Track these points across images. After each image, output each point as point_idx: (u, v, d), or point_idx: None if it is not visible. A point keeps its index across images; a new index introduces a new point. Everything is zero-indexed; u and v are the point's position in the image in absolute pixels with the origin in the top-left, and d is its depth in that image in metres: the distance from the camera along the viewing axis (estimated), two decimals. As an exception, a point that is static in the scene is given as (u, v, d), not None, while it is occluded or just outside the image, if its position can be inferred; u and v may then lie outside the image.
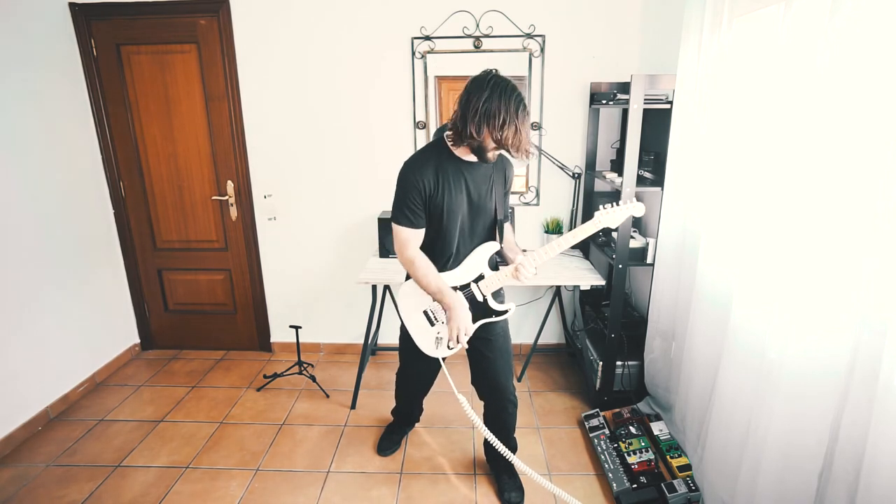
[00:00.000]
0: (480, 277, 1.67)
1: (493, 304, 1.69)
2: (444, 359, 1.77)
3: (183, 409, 2.54)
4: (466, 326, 1.63)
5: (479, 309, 1.69)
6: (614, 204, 1.60)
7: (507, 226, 1.77)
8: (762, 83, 1.59)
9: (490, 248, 1.69)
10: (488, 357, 1.79)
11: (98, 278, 2.82)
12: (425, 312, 1.72)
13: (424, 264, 1.61)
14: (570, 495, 1.67)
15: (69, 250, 2.61)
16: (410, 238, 1.59)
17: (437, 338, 1.72)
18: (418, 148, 1.57)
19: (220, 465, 2.14)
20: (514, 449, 1.97)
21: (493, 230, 1.71)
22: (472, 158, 1.57)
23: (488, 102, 1.39)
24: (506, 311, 1.71)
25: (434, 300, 1.66)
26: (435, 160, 1.56)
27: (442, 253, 1.65)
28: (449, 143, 1.56)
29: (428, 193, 1.55)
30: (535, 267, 1.60)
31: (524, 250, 1.75)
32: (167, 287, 3.08)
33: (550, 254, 1.61)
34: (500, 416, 1.88)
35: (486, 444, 2.02)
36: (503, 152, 1.52)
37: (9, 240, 2.28)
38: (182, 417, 2.48)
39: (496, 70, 1.47)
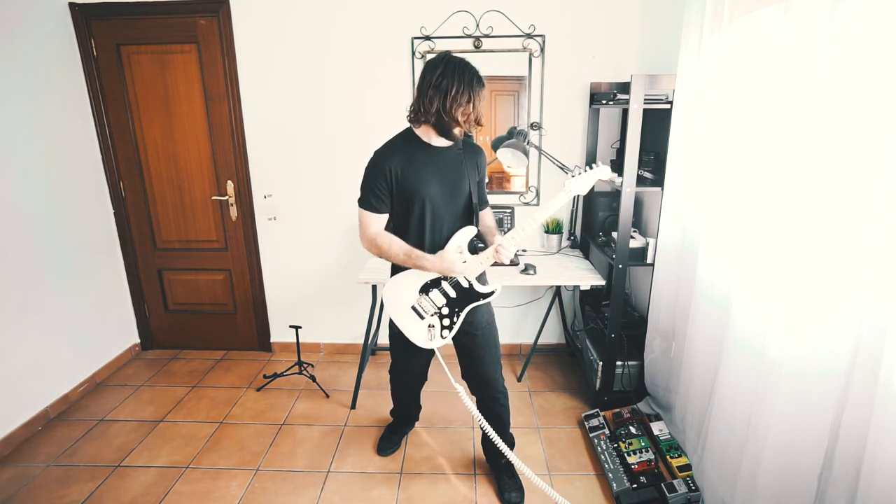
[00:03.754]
0: (462, 263, 1.68)
1: (477, 287, 1.70)
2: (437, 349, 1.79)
3: (183, 409, 2.54)
4: (461, 267, 1.62)
5: (464, 294, 1.70)
6: (584, 170, 1.62)
7: (487, 211, 1.83)
8: (762, 83, 1.59)
9: (467, 232, 1.70)
10: (474, 351, 1.81)
11: (98, 278, 2.82)
12: (413, 308, 1.72)
13: (387, 238, 1.64)
14: (561, 496, 1.66)
15: (69, 250, 2.62)
16: (372, 220, 1.64)
17: (429, 327, 1.73)
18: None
19: (220, 465, 2.14)
20: (510, 444, 1.97)
21: (469, 216, 1.73)
22: (441, 143, 1.63)
23: (441, 77, 1.49)
24: (492, 293, 1.71)
25: (430, 293, 1.69)
26: (403, 147, 1.61)
27: (419, 239, 1.67)
28: (415, 130, 1.62)
29: (395, 179, 1.59)
30: (514, 245, 1.62)
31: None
32: (167, 287, 3.08)
33: (527, 230, 1.63)
34: (493, 410, 1.88)
35: (485, 442, 2.02)
36: (460, 126, 1.56)
37: (8, 240, 2.28)
38: (182, 417, 2.48)
39: (449, 52, 1.57)
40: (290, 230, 2.92)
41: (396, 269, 1.75)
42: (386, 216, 1.67)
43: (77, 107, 2.69)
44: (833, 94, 1.25)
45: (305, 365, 2.82)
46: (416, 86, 1.56)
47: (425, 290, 1.71)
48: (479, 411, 1.88)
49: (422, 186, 1.60)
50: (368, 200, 1.62)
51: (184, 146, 2.81)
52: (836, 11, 1.22)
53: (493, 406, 1.88)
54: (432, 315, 1.72)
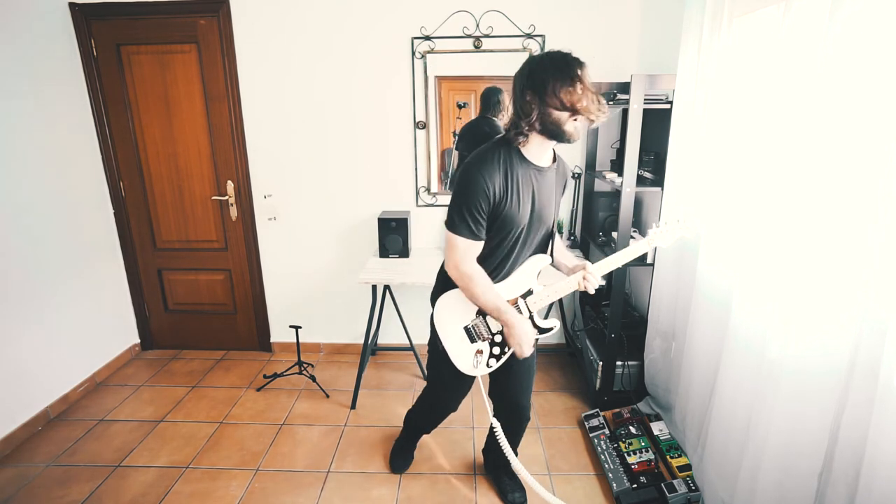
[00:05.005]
0: (528, 293, 1.53)
1: (538, 322, 1.55)
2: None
3: (183, 409, 2.54)
4: (530, 341, 1.48)
5: None
6: (665, 223, 1.51)
7: (556, 236, 1.63)
8: (762, 83, 1.59)
9: (541, 261, 1.53)
10: (515, 375, 1.68)
11: (98, 278, 2.82)
12: (467, 329, 1.56)
13: (484, 281, 1.43)
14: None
15: (69, 250, 2.61)
16: (469, 250, 1.41)
17: (476, 353, 1.57)
18: (484, 149, 1.42)
19: (220, 465, 2.14)
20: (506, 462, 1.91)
21: (546, 242, 1.56)
22: (543, 163, 1.43)
23: (531, 72, 1.30)
24: (550, 329, 1.56)
25: (488, 317, 1.53)
26: (505, 161, 1.37)
27: (492, 265, 1.48)
28: (518, 144, 1.38)
29: (495, 200, 1.36)
30: (600, 275, 1.49)
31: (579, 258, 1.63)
32: (167, 287, 3.08)
33: (614, 264, 1.52)
34: (514, 433, 1.79)
35: (486, 448, 2.01)
36: (581, 119, 1.30)
37: (8, 240, 2.28)
38: (182, 417, 2.47)
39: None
40: (290, 230, 2.92)
41: (452, 281, 1.52)
42: (482, 244, 1.43)
43: (77, 107, 2.69)
44: (833, 93, 1.25)
45: (305, 365, 2.82)
46: (513, 94, 1.36)
47: (483, 312, 1.53)
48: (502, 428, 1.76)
49: (517, 211, 1.39)
50: (467, 225, 1.37)
51: (184, 146, 2.81)
52: (836, 11, 1.22)
53: (516, 430, 1.80)
54: (484, 340, 1.56)
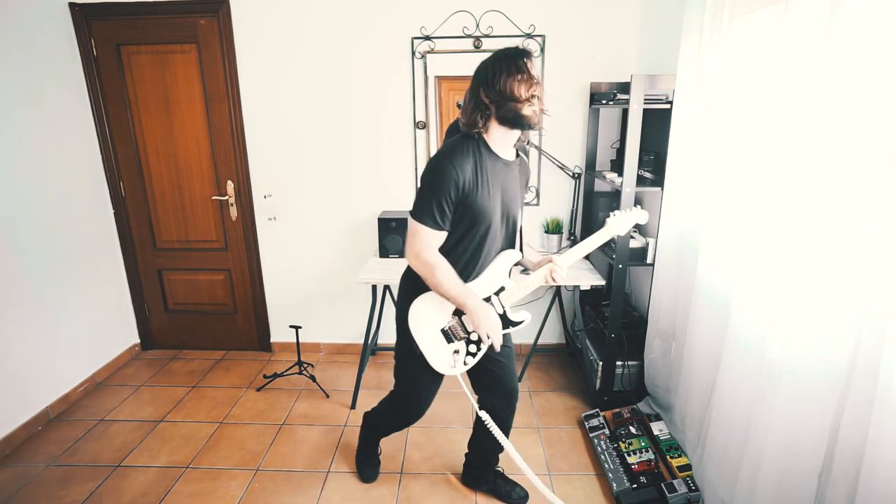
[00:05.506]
0: (501, 289, 1.55)
1: (510, 315, 1.58)
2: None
3: (183, 409, 2.54)
4: (497, 326, 1.51)
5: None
6: (620, 211, 1.58)
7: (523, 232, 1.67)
8: (762, 83, 1.59)
9: (512, 257, 1.55)
10: (503, 364, 1.71)
11: (98, 278, 2.82)
12: (443, 331, 1.56)
13: (446, 269, 1.44)
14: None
15: (69, 250, 2.61)
16: (432, 240, 1.42)
17: (454, 353, 1.58)
18: (449, 144, 1.44)
19: (220, 465, 2.14)
20: (500, 451, 1.90)
21: (514, 238, 1.58)
22: (508, 157, 1.47)
23: (484, 68, 1.37)
24: (521, 322, 1.60)
25: (464, 317, 1.54)
26: (475, 152, 1.40)
27: (467, 264, 1.50)
28: (482, 132, 1.41)
29: (465, 190, 1.37)
30: (566, 268, 1.53)
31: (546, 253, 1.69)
32: (167, 287, 3.08)
33: (578, 255, 1.56)
34: (507, 421, 1.80)
35: (475, 459, 1.96)
36: (535, 105, 1.36)
37: (8, 240, 2.28)
38: (182, 417, 2.47)
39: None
40: (290, 230, 2.92)
41: (422, 285, 1.54)
42: (445, 234, 1.44)
43: (77, 107, 2.69)
44: (833, 93, 1.25)
45: (305, 365, 2.82)
46: (468, 93, 1.41)
47: (459, 312, 1.54)
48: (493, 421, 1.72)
49: (487, 203, 1.41)
50: (432, 214, 1.37)
51: (184, 146, 2.81)
52: (836, 11, 1.22)
53: (509, 417, 1.80)
54: (460, 340, 1.57)
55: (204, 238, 2.96)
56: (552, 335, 3.07)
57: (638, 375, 2.45)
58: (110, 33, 2.66)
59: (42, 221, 2.45)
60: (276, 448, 2.24)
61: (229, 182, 2.84)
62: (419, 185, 1.42)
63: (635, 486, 1.90)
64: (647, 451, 2.02)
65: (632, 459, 1.99)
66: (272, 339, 3.14)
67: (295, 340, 2.75)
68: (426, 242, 1.42)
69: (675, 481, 1.88)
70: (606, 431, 2.20)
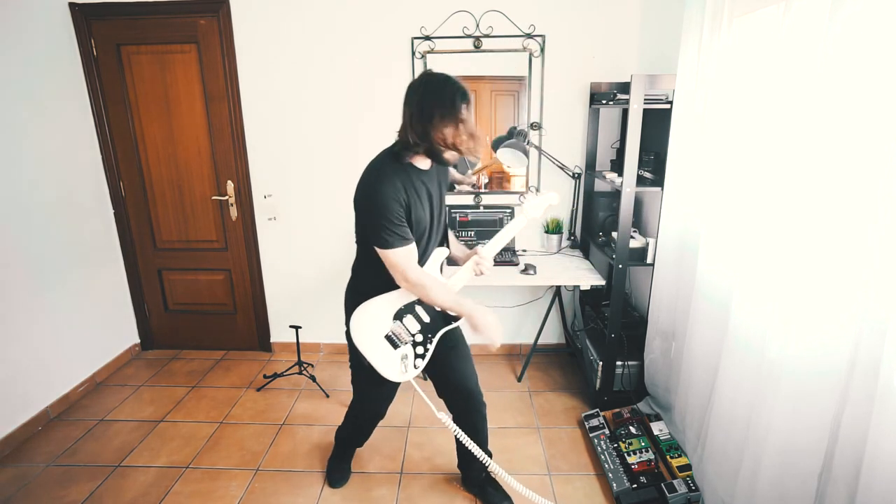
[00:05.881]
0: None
1: (449, 312, 1.59)
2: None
3: (183, 409, 2.54)
4: (495, 325, 1.51)
5: (437, 318, 1.61)
6: (531, 194, 1.65)
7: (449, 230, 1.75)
8: (762, 83, 1.59)
9: (441, 254, 1.63)
10: (456, 365, 1.71)
11: (98, 278, 2.82)
12: (388, 337, 1.56)
13: (435, 282, 1.49)
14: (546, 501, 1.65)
15: (69, 250, 2.61)
16: (409, 257, 1.45)
17: (402, 358, 1.57)
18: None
19: (220, 465, 2.14)
20: (489, 455, 1.89)
21: (444, 236, 1.67)
22: (427, 166, 1.51)
23: (421, 104, 1.37)
24: (459, 317, 1.62)
25: (404, 319, 1.57)
26: (400, 171, 1.44)
27: None
28: (405, 155, 1.45)
29: (405, 207, 1.43)
30: (492, 258, 1.62)
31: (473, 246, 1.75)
32: (167, 287, 3.08)
33: (500, 245, 1.65)
34: (476, 424, 1.78)
35: (462, 461, 1.95)
36: (455, 149, 1.41)
37: (8, 239, 2.28)
38: (182, 417, 2.47)
39: (430, 69, 1.46)
40: (290, 230, 2.92)
41: (362, 292, 1.57)
42: (414, 245, 1.48)
43: (77, 107, 2.69)
44: (833, 93, 1.25)
45: (305, 365, 2.82)
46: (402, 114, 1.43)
47: (399, 315, 1.56)
48: (460, 426, 1.74)
49: (420, 214, 1.48)
50: (396, 235, 1.41)
51: (184, 146, 2.81)
52: (836, 11, 1.22)
53: (476, 419, 1.78)
54: (406, 343, 1.57)
55: (204, 238, 2.96)
56: (552, 335, 3.07)
57: (638, 375, 2.45)
58: (110, 33, 2.66)
59: (42, 221, 2.45)
60: (276, 448, 2.24)
61: (229, 182, 2.84)
62: (362, 215, 1.47)
63: (635, 486, 1.90)
64: (647, 451, 2.02)
65: (632, 459, 1.99)
66: (272, 339, 3.14)
67: (295, 340, 2.75)
68: (406, 263, 1.45)
69: (675, 481, 1.88)
70: (606, 431, 2.20)
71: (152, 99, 2.74)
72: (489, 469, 1.74)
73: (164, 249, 3.00)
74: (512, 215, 2.76)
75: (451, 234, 1.75)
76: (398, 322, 1.56)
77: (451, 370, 1.72)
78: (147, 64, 2.69)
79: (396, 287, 1.55)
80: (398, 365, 1.58)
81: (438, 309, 1.58)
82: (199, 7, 2.59)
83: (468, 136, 1.38)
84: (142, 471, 2.10)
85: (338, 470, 2.05)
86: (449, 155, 1.42)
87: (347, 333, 1.62)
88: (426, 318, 1.59)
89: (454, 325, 1.64)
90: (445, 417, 1.66)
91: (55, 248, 2.53)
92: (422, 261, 1.56)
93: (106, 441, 2.29)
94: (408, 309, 1.57)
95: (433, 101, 1.36)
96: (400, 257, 1.44)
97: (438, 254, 1.62)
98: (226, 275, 3.03)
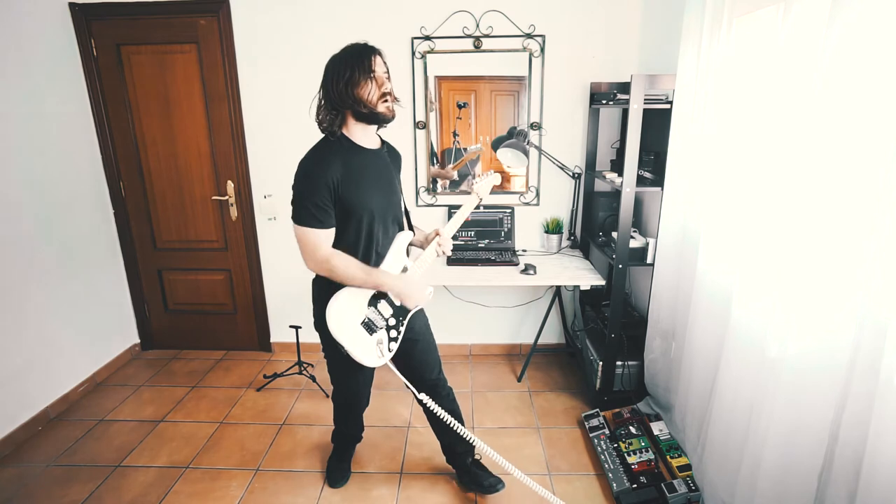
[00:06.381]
0: (405, 269, 1.62)
1: None
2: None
3: (183, 410, 2.54)
4: (419, 290, 1.59)
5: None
6: (480, 176, 1.75)
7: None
8: (762, 83, 1.59)
9: (406, 238, 1.64)
10: (417, 357, 1.76)
11: (98, 278, 2.82)
12: (364, 323, 1.57)
13: (343, 259, 1.49)
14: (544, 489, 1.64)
15: (69, 250, 2.61)
16: (321, 238, 1.47)
17: (378, 345, 1.59)
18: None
19: (220, 465, 2.14)
20: (470, 445, 1.90)
21: (401, 220, 1.66)
22: (372, 144, 1.54)
23: (332, 68, 1.44)
24: (429, 294, 1.64)
25: (379, 304, 1.58)
26: (340, 151, 1.46)
27: (365, 254, 1.55)
28: (344, 131, 1.48)
29: (337, 189, 1.43)
30: (450, 238, 1.66)
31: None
32: (167, 287, 3.08)
33: (457, 224, 1.70)
34: (448, 408, 1.79)
35: (447, 448, 1.98)
36: (388, 101, 1.47)
37: (8, 239, 2.28)
38: (182, 417, 2.47)
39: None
40: (290, 230, 2.90)
41: (335, 284, 1.54)
42: (332, 232, 1.49)
43: (77, 107, 2.69)
44: (833, 94, 1.25)
45: (305, 365, 2.82)
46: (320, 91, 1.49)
47: (373, 301, 1.58)
48: (432, 415, 1.77)
49: (366, 196, 1.48)
50: (312, 216, 1.43)
51: (184, 146, 2.81)
52: (836, 12, 1.22)
53: (447, 403, 1.82)
54: (381, 329, 1.59)
55: (204, 238, 2.96)
56: (552, 335, 3.07)
57: (638, 375, 2.45)
58: (110, 33, 2.66)
59: (42, 221, 2.45)
60: (276, 448, 2.24)
61: (229, 182, 2.84)
62: (292, 192, 1.49)
63: (635, 486, 1.90)
64: (647, 451, 2.02)
65: (632, 459, 1.99)
66: (272, 339, 3.14)
67: (295, 340, 2.75)
68: (316, 243, 1.47)
69: (675, 481, 1.88)
70: (606, 431, 2.20)
71: (152, 99, 2.74)
72: (475, 447, 1.77)
73: (164, 249, 3.00)
74: (512, 216, 2.76)
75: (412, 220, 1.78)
76: (372, 308, 1.58)
77: (413, 362, 1.77)
78: (147, 64, 2.69)
79: None
80: (374, 350, 1.59)
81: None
82: (199, 7, 2.59)
83: (386, 91, 1.44)
84: (142, 471, 2.10)
85: (337, 469, 2.05)
86: (382, 108, 1.44)
87: (318, 325, 1.62)
88: (397, 302, 1.61)
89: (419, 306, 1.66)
90: (427, 398, 1.69)
91: (55, 248, 2.53)
92: (384, 245, 1.58)
93: (106, 441, 2.29)
94: (380, 294, 1.59)
95: (344, 61, 1.42)
96: (309, 237, 1.46)
97: (403, 237, 1.64)
98: (226, 275, 3.03)
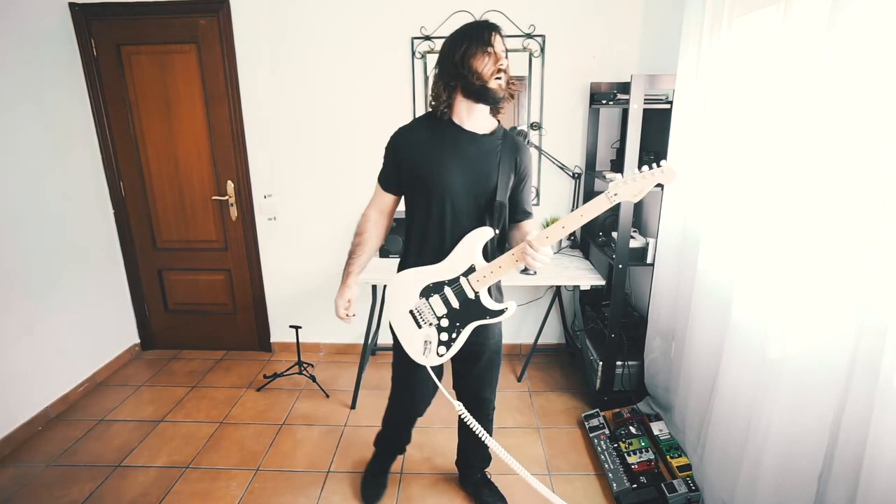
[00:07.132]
0: (472, 269, 1.39)
1: (485, 302, 1.41)
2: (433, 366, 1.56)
3: (183, 409, 2.54)
4: (340, 306, 1.59)
5: (468, 308, 1.41)
6: (636, 170, 1.25)
7: (529, 223, 1.54)
8: (762, 83, 1.59)
9: (482, 234, 1.40)
10: (476, 371, 1.64)
11: (98, 278, 2.82)
12: (411, 312, 1.47)
13: (361, 226, 1.57)
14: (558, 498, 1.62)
15: (69, 250, 2.61)
16: (376, 194, 1.56)
17: (425, 342, 1.48)
18: None
19: (220, 465, 2.14)
20: (489, 459, 1.89)
21: (490, 216, 1.43)
22: (479, 128, 1.42)
23: (445, 45, 1.39)
24: (503, 311, 1.41)
25: (431, 299, 1.46)
26: (427, 125, 1.43)
27: (420, 235, 1.46)
28: (446, 111, 1.41)
29: (404, 159, 1.43)
30: (549, 245, 1.32)
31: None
32: (167, 287, 3.08)
33: (561, 233, 1.34)
34: (481, 424, 1.69)
35: (460, 461, 1.95)
36: (501, 79, 1.35)
37: (8, 240, 2.28)
38: (182, 417, 2.47)
39: None
40: (290, 230, 2.92)
41: (404, 263, 1.53)
42: (393, 197, 1.54)
43: (77, 107, 2.69)
44: (832, 93, 1.25)
45: (305, 365, 2.82)
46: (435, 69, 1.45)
47: (426, 293, 1.44)
48: (462, 425, 1.72)
49: (442, 179, 1.37)
50: (382, 171, 1.53)
51: (184, 146, 2.81)
52: (836, 12, 1.22)
53: (484, 423, 1.72)
54: (430, 325, 1.45)
55: (204, 238, 2.96)
56: (552, 335, 3.07)
57: (638, 375, 2.45)
58: (110, 33, 2.66)
59: (42, 221, 2.45)
60: (276, 448, 2.24)
61: (229, 182, 2.84)
62: None
63: (635, 486, 1.90)
64: (647, 451, 2.02)
65: (632, 459, 1.99)
66: (272, 339, 3.14)
67: (295, 340, 2.75)
68: (373, 196, 1.58)
69: (675, 481, 1.88)
70: (606, 431, 2.20)
71: (152, 99, 2.74)
72: (489, 463, 1.71)
73: (164, 249, 3.00)
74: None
75: (529, 225, 1.53)
76: (423, 300, 1.45)
77: (469, 374, 1.66)
78: (147, 64, 2.69)
79: (428, 260, 1.45)
80: (420, 345, 1.48)
81: (472, 297, 1.41)
82: (199, 7, 2.59)
83: (501, 68, 1.34)
84: (142, 471, 2.10)
85: (373, 484, 1.94)
86: (493, 84, 1.33)
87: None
88: (455, 304, 1.41)
89: (490, 320, 1.43)
90: (460, 406, 1.52)
91: (55, 249, 2.53)
92: (439, 231, 1.43)
93: (106, 441, 2.29)
94: (436, 289, 1.43)
95: (463, 34, 1.36)
96: (375, 189, 1.56)
97: (479, 233, 1.40)
98: (226, 275, 3.03)
